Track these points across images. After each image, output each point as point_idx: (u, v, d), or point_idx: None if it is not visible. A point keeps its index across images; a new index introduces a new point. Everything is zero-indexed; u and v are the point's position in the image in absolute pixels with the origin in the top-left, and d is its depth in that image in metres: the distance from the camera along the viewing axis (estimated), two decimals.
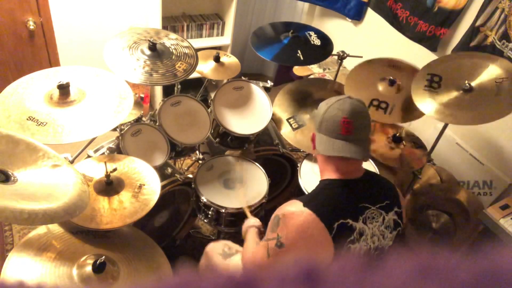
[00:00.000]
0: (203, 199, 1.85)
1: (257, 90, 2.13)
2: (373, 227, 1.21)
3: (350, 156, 1.20)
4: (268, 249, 1.17)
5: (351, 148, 1.19)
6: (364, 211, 1.20)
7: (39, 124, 1.37)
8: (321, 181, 1.27)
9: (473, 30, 2.27)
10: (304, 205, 1.14)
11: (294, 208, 1.16)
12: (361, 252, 1.20)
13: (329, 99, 1.25)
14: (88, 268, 1.25)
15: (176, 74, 1.82)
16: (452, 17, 2.40)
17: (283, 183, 2.37)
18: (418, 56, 2.60)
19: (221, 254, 1.56)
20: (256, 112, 2.08)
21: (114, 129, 1.78)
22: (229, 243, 1.61)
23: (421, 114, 1.84)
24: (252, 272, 0.25)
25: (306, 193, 1.87)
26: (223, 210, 1.83)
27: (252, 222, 1.58)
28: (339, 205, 1.18)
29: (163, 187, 1.69)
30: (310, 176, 2.03)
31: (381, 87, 2.02)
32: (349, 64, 2.79)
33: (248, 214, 1.71)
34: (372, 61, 2.14)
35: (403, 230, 2.32)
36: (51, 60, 2.75)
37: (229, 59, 2.27)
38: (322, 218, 1.12)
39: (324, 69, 3.11)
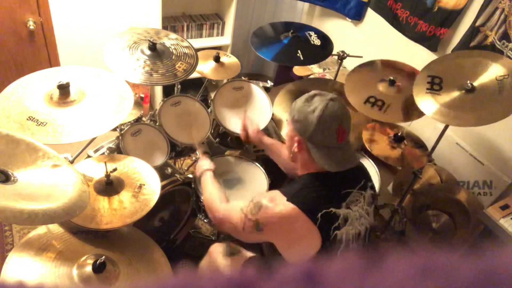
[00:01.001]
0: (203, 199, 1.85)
1: (257, 90, 2.13)
2: (358, 209, 1.25)
3: (352, 166, 1.25)
4: (245, 224, 1.22)
5: (347, 157, 1.25)
6: (347, 197, 1.23)
7: (39, 124, 1.37)
8: (302, 176, 1.29)
9: (473, 30, 2.27)
10: (288, 200, 1.17)
11: (277, 202, 1.18)
12: (349, 237, 1.22)
13: (307, 101, 1.22)
14: (88, 268, 1.25)
15: (176, 74, 1.82)
16: (452, 17, 2.40)
17: (283, 183, 2.37)
18: (418, 56, 2.60)
19: (222, 253, 1.57)
20: (256, 112, 2.08)
21: (114, 129, 1.78)
22: (232, 244, 1.62)
23: (420, 115, 1.84)
24: (252, 272, 0.25)
25: None
26: None
27: (205, 164, 1.64)
28: (321, 196, 1.21)
29: (163, 187, 1.69)
30: None
31: (381, 87, 2.02)
32: (349, 64, 2.79)
33: (200, 153, 1.74)
34: (372, 63, 2.14)
35: (403, 229, 2.33)
36: (51, 60, 2.75)
37: (229, 59, 2.27)
38: (306, 211, 1.15)
39: (324, 69, 3.11)
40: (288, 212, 1.16)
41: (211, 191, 1.48)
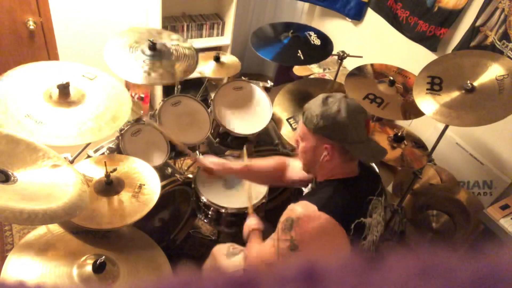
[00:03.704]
0: (203, 199, 1.85)
1: (257, 90, 2.13)
2: (377, 216, 1.22)
3: (384, 156, 1.24)
4: (279, 249, 1.13)
5: (379, 148, 1.24)
6: (370, 204, 1.20)
7: (38, 123, 1.37)
8: (326, 183, 1.23)
9: (473, 30, 2.27)
10: (320, 209, 1.10)
11: (309, 212, 1.11)
12: (370, 245, 1.20)
13: (324, 105, 1.15)
14: (88, 268, 1.25)
15: (174, 74, 1.82)
16: (452, 17, 2.40)
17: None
18: (418, 56, 2.60)
19: (225, 254, 1.56)
20: (256, 112, 2.08)
21: None
22: (235, 244, 1.61)
23: (420, 114, 1.84)
24: (252, 272, 0.25)
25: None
26: (223, 210, 1.83)
27: (254, 223, 1.52)
28: (352, 206, 1.18)
29: (163, 187, 1.69)
30: None
31: (381, 87, 2.03)
32: (349, 64, 2.79)
33: (251, 211, 1.65)
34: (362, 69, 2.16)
35: (403, 229, 2.33)
36: (51, 60, 2.74)
37: (229, 59, 2.27)
38: (340, 221, 1.10)
39: (324, 69, 3.11)
40: (323, 222, 1.09)
41: (252, 245, 1.38)
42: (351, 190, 1.20)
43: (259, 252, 1.26)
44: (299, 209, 1.14)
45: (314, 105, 1.17)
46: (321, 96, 1.18)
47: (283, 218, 1.17)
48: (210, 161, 1.58)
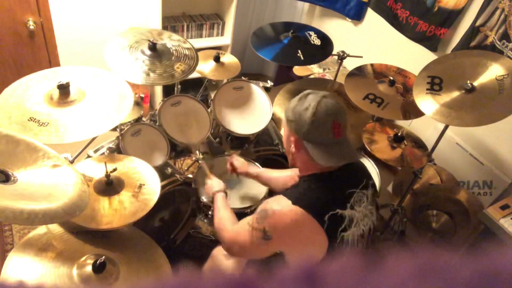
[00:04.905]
0: (203, 199, 1.85)
1: (257, 90, 2.13)
2: (362, 209, 1.24)
3: (350, 161, 1.24)
4: (253, 237, 1.20)
5: (346, 152, 1.23)
6: (351, 197, 1.22)
7: (41, 125, 1.37)
8: (304, 177, 1.27)
9: (473, 30, 2.27)
10: (294, 203, 1.16)
11: (283, 207, 1.17)
12: (354, 238, 1.21)
13: (300, 100, 1.21)
14: (88, 268, 1.25)
15: (173, 75, 1.81)
16: (452, 17, 2.40)
17: None
18: (418, 56, 2.60)
19: (225, 255, 1.56)
20: (256, 112, 2.08)
21: (114, 129, 1.78)
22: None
23: (420, 114, 1.84)
24: (252, 272, 0.25)
25: None
26: None
27: (216, 185, 1.63)
28: (327, 198, 1.20)
29: (163, 187, 1.69)
30: None
31: (381, 87, 2.03)
32: (349, 64, 2.79)
33: (208, 172, 1.76)
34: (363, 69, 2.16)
35: (403, 229, 2.33)
36: (51, 60, 2.75)
37: (229, 59, 2.27)
38: (313, 214, 1.14)
39: (324, 69, 3.11)
40: (296, 215, 1.14)
41: (222, 216, 1.45)
42: (326, 184, 1.23)
43: (236, 233, 1.31)
44: (274, 204, 1.20)
45: (294, 99, 1.24)
46: (305, 92, 1.24)
47: (259, 209, 1.24)
48: (240, 166, 1.79)
